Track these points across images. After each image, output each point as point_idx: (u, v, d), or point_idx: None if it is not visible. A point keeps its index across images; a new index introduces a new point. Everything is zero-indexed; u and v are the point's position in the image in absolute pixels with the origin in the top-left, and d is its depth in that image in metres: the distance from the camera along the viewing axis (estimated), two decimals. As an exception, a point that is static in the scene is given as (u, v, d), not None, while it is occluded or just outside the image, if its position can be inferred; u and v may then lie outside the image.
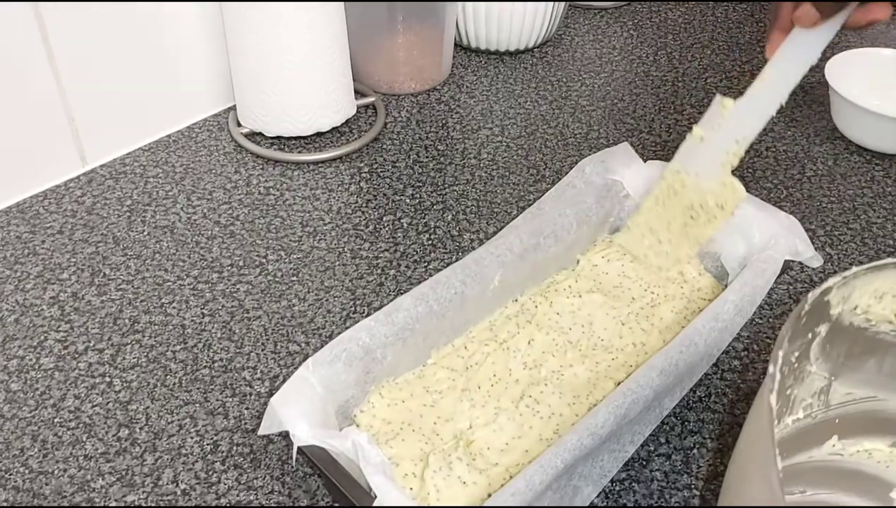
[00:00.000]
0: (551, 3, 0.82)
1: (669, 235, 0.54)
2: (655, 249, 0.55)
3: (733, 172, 0.51)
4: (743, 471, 0.35)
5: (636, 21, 0.93)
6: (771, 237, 0.52)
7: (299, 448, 0.40)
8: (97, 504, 0.45)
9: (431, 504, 0.41)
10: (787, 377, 0.41)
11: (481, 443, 0.45)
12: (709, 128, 0.52)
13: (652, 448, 0.48)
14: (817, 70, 0.83)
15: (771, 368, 0.33)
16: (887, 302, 0.42)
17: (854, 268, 0.39)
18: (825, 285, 0.38)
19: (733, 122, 0.50)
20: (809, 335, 0.41)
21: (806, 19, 0.45)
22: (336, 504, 0.45)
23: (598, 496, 0.46)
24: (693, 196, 0.52)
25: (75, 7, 0.62)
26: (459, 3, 0.81)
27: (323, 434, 0.40)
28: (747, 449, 0.35)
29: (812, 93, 0.81)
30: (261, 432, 0.41)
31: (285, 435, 0.48)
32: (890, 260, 0.40)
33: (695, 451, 0.48)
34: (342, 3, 0.69)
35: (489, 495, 0.42)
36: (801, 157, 0.72)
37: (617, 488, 0.46)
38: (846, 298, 0.40)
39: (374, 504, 0.37)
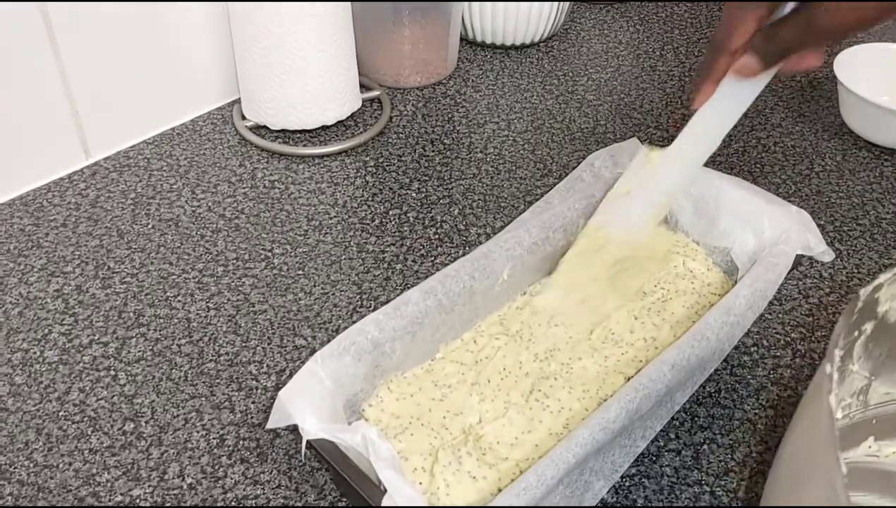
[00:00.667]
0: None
1: (595, 290, 0.52)
2: (578, 308, 0.52)
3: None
4: (798, 475, 0.34)
5: (642, 16, 0.93)
6: (782, 231, 0.51)
7: (308, 441, 0.40)
8: (103, 498, 0.45)
9: (441, 498, 0.41)
10: (832, 379, 0.41)
11: (491, 438, 0.44)
12: (635, 180, 0.50)
13: (662, 444, 0.48)
14: (825, 65, 0.83)
15: (828, 367, 0.32)
16: None
17: None
18: (877, 281, 0.37)
19: (661, 174, 0.49)
20: (856, 333, 0.40)
21: (747, 70, 0.44)
22: (344, 499, 0.45)
23: (608, 491, 0.45)
24: (619, 250, 0.51)
25: (80, -2, 0.62)
26: (465, -3, 0.80)
27: (332, 428, 0.40)
28: (802, 452, 0.34)
29: (820, 88, 0.80)
30: (269, 426, 0.41)
31: (293, 430, 0.48)
32: None
33: (705, 447, 0.48)
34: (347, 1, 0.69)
35: (499, 490, 0.41)
36: (810, 152, 0.72)
37: (627, 483, 0.46)
38: (894, 296, 0.40)
39: (385, 498, 0.37)
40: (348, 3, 0.69)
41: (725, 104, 0.46)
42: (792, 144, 0.73)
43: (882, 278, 0.38)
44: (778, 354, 0.54)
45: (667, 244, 0.51)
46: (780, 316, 0.56)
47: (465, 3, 0.81)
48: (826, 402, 0.31)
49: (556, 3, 0.82)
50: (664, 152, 0.49)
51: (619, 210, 0.50)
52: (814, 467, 0.32)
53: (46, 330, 0.54)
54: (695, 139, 0.48)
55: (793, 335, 0.55)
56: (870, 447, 0.44)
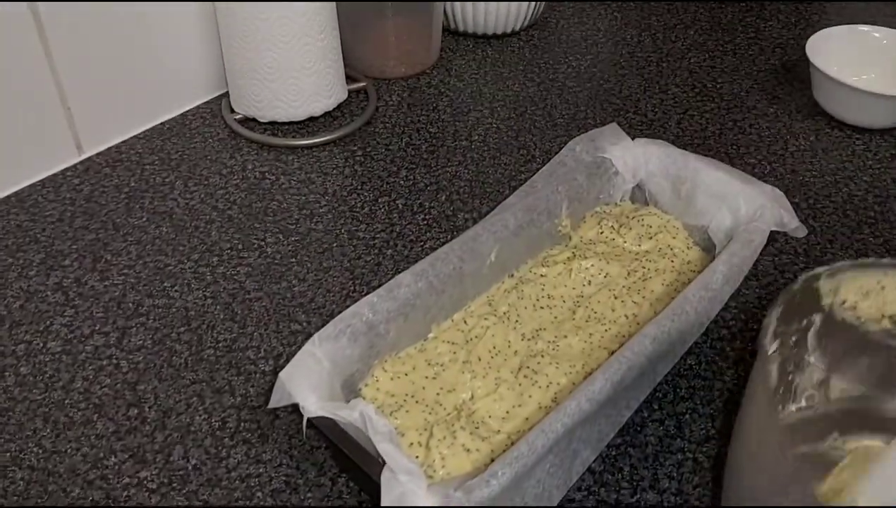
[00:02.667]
0: (537, -13, 0.83)
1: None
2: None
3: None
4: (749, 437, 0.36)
5: (620, 3, 0.94)
6: (757, 209, 0.53)
7: (309, 419, 0.42)
8: (111, 480, 0.46)
9: (437, 470, 0.43)
10: (788, 361, 0.42)
11: (483, 412, 0.46)
12: None
13: (646, 415, 0.50)
14: (798, 47, 0.85)
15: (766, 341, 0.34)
16: (873, 299, 0.43)
17: (839, 263, 0.41)
18: (815, 271, 0.40)
19: None
20: (805, 321, 0.42)
21: None
22: (343, 475, 0.47)
23: (595, 460, 0.47)
24: None
25: (69, -4, 0.63)
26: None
27: (332, 406, 0.42)
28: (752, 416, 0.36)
29: (794, 71, 0.82)
30: (271, 405, 0.42)
31: (292, 410, 0.50)
32: (873, 259, 0.41)
33: (687, 416, 0.50)
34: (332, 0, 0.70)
35: (492, 461, 0.43)
36: (784, 133, 0.74)
37: (614, 452, 0.48)
38: (835, 290, 0.42)
39: (384, 470, 0.39)
40: (333, -3, 0.70)
41: None
42: (767, 126, 0.75)
43: (819, 269, 0.40)
44: (755, 327, 0.56)
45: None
46: (757, 290, 0.59)
47: (447, -6, 0.83)
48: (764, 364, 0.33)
49: (535, -7, 0.83)
50: None
51: None
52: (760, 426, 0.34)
53: (48, 322, 0.55)
54: None
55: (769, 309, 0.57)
56: (835, 440, 0.45)
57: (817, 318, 0.42)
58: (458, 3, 0.83)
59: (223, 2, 0.67)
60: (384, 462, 0.39)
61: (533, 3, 0.85)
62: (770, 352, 0.37)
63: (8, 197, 0.65)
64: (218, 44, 0.74)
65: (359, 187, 0.67)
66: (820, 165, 0.70)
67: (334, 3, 0.71)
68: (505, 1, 0.82)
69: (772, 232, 0.53)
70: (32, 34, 0.62)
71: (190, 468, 0.47)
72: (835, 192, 0.67)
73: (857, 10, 0.93)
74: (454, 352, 0.50)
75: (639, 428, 0.49)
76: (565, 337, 0.51)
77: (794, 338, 0.42)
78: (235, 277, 0.59)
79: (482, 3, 0.82)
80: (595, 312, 0.52)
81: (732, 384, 0.52)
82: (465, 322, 0.52)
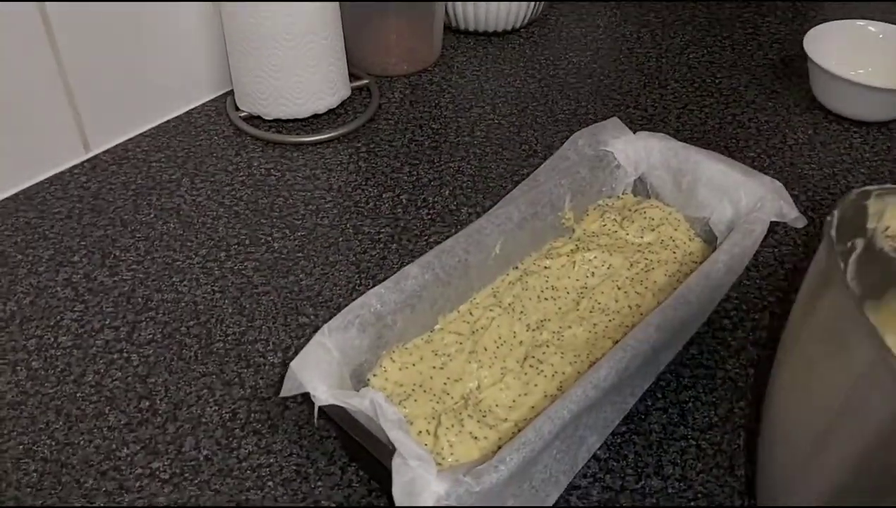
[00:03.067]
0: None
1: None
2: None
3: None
4: (815, 360, 0.34)
5: (619, 0, 0.95)
6: (757, 200, 0.54)
7: (320, 408, 0.42)
8: (124, 471, 0.47)
9: (446, 457, 0.44)
10: None
11: (490, 401, 0.47)
12: None
13: (650, 403, 0.51)
14: (796, 42, 0.86)
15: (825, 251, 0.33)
16: None
17: (889, 185, 0.38)
18: (865, 188, 0.37)
19: None
20: (850, 244, 0.40)
21: None
22: (353, 464, 0.48)
23: (600, 447, 0.48)
24: None
25: (76, -4, 0.64)
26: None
27: (342, 394, 0.42)
28: (817, 336, 0.34)
29: (791, 65, 0.83)
30: (282, 394, 0.43)
31: (301, 401, 0.50)
32: None
33: (690, 405, 0.51)
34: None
35: (500, 448, 0.44)
36: (783, 127, 0.75)
37: (618, 440, 0.49)
38: (880, 214, 0.39)
39: (395, 457, 0.39)
40: (336, -5, 0.71)
41: None
42: (766, 119, 0.76)
43: (870, 187, 0.37)
44: (756, 317, 0.57)
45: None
46: (757, 281, 0.59)
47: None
48: (840, 277, 0.31)
49: (535, -10, 0.84)
50: None
51: None
52: (839, 344, 0.32)
53: (59, 317, 0.56)
54: None
55: (770, 299, 0.58)
56: None
57: (860, 244, 0.40)
58: (459, 2, 0.84)
59: (228, 1, 0.68)
60: (394, 449, 0.40)
61: (533, 2, 0.85)
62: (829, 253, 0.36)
63: (16, 194, 0.66)
64: (223, 42, 0.75)
65: (363, 183, 0.68)
66: (818, 158, 0.71)
67: (337, 3, 0.71)
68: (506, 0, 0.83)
69: (772, 223, 0.54)
70: (40, 33, 0.63)
71: (202, 458, 0.48)
72: (833, 184, 0.68)
73: (853, 6, 0.94)
74: (460, 343, 0.51)
75: (643, 416, 0.50)
76: (570, 327, 0.52)
77: (841, 262, 0.39)
78: (243, 272, 0.60)
79: (483, 2, 0.83)
80: (599, 303, 0.53)
81: (734, 372, 0.53)
82: (471, 313, 0.53)
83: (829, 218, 0.36)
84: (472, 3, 0.83)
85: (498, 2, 0.83)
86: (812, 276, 0.37)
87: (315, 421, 0.48)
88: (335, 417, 0.42)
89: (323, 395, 0.42)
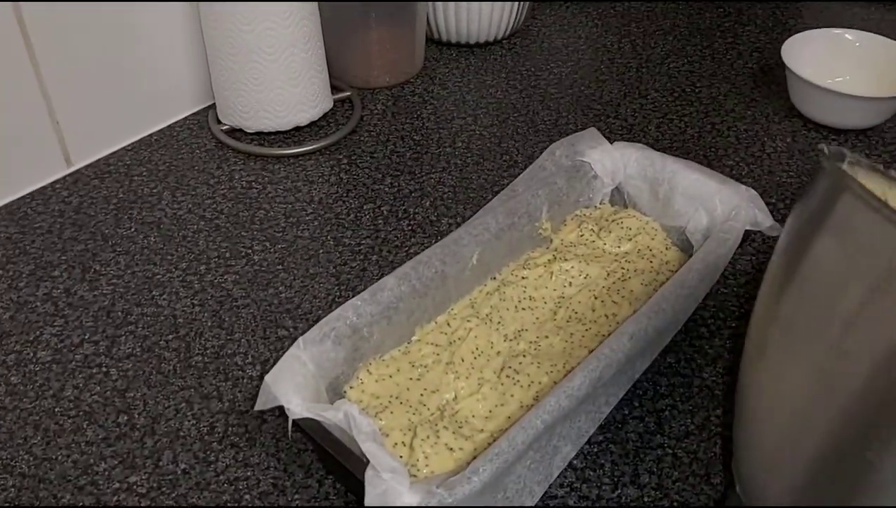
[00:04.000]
0: (518, -5, 0.84)
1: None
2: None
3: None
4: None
5: (601, 10, 0.96)
6: (732, 209, 0.55)
7: (294, 421, 0.43)
8: (101, 486, 0.47)
9: (421, 469, 0.44)
10: None
11: (466, 412, 0.47)
12: None
13: (626, 412, 0.51)
14: (775, 51, 0.87)
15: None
16: None
17: (857, 156, 0.38)
18: (838, 149, 0.36)
19: None
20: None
21: None
22: (330, 476, 0.48)
23: (576, 456, 0.48)
24: None
25: (56, 10, 0.64)
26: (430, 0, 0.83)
27: (316, 407, 0.42)
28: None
29: (770, 74, 0.84)
30: (257, 408, 0.43)
31: (279, 414, 0.50)
32: (882, 167, 0.37)
33: (666, 413, 0.51)
34: (316, 2, 0.71)
35: (475, 458, 0.44)
36: (761, 135, 0.75)
37: (595, 449, 0.49)
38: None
39: (368, 469, 0.40)
40: (316, 7, 0.71)
41: None
42: (744, 128, 0.76)
43: (845, 153, 0.36)
44: (734, 325, 0.57)
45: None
46: (735, 289, 0.60)
47: (430, 4, 0.84)
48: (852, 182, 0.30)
49: (516, 2, 0.85)
50: None
51: None
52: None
53: (38, 332, 0.56)
54: None
55: (747, 307, 0.58)
56: None
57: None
58: (441, 13, 0.84)
59: (209, 10, 0.68)
60: (368, 462, 0.40)
61: (515, 12, 0.86)
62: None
63: (-3, 210, 0.66)
64: (204, 56, 0.75)
65: (344, 195, 0.68)
66: (796, 166, 0.72)
67: (318, 14, 0.72)
68: (487, 0, 0.82)
69: (749, 231, 0.54)
70: (19, 45, 0.63)
71: (179, 472, 0.48)
72: (811, 192, 0.69)
73: (832, 14, 0.95)
74: (437, 354, 0.51)
75: (619, 425, 0.50)
76: (546, 337, 0.52)
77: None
78: (223, 285, 0.60)
79: (465, 12, 0.84)
80: (576, 312, 0.54)
81: (711, 380, 0.53)
82: (449, 324, 0.53)
83: (822, 147, 0.36)
84: (454, 13, 0.84)
85: (480, 1, 0.82)
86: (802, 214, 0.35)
87: (290, 434, 0.48)
88: (309, 430, 0.42)
89: (297, 408, 0.43)
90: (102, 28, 0.68)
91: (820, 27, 0.82)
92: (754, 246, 0.63)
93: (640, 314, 0.47)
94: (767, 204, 0.64)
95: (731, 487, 0.44)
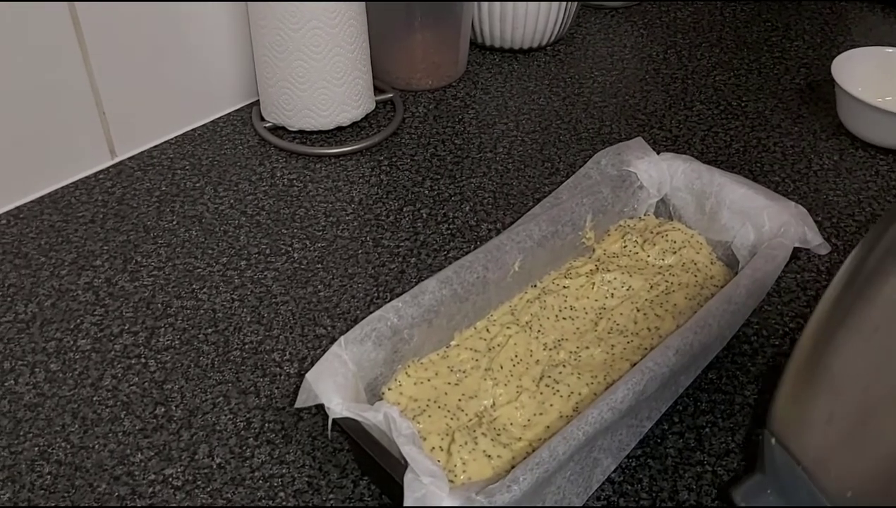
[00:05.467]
0: (564, 3, 0.84)
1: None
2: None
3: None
4: None
5: (646, 20, 0.95)
6: (781, 225, 0.54)
7: (334, 420, 0.42)
8: (137, 477, 0.47)
9: (458, 475, 0.43)
10: None
11: (504, 420, 0.47)
12: None
13: (666, 427, 0.50)
14: (823, 68, 0.85)
15: None
16: None
17: None
18: None
19: None
20: None
21: None
22: (365, 477, 0.47)
23: (615, 470, 0.48)
24: None
25: (108, 4, 0.65)
26: (475, 3, 0.83)
27: (356, 407, 0.42)
28: None
29: (818, 91, 0.83)
30: (297, 405, 0.43)
31: (316, 412, 0.50)
32: None
33: (707, 430, 0.50)
34: (363, 3, 0.71)
35: (513, 467, 0.44)
36: (808, 152, 0.74)
37: (633, 464, 0.48)
38: None
39: (407, 471, 0.39)
40: (363, 9, 0.71)
41: None
42: (791, 144, 0.75)
43: None
44: (777, 343, 0.56)
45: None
46: (779, 307, 0.59)
47: (475, 9, 0.84)
48: None
49: (562, 8, 0.84)
50: None
51: None
52: None
53: (79, 321, 0.57)
54: None
55: (791, 325, 0.57)
56: None
57: None
58: (486, 18, 0.84)
59: (257, 9, 0.68)
60: (407, 464, 0.39)
61: (560, 19, 0.85)
62: None
63: (42, 197, 0.67)
64: (251, 53, 0.75)
65: (384, 196, 0.68)
66: (843, 184, 0.70)
67: (364, 16, 0.72)
68: (535, 0, 0.82)
69: (795, 248, 0.53)
70: (71, 38, 0.64)
71: (215, 466, 0.48)
72: (858, 211, 0.67)
73: (882, 32, 0.93)
74: (476, 360, 0.50)
75: (659, 440, 0.50)
76: (587, 347, 0.51)
77: None
78: (263, 281, 0.60)
79: (510, 18, 0.83)
80: (617, 324, 0.53)
81: (753, 399, 0.52)
82: (488, 330, 0.52)
83: None
84: (499, 19, 0.83)
85: (527, 2, 0.81)
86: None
87: (329, 433, 0.48)
88: (348, 430, 0.42)
89: (337, 408, 0.42)
90: (151, 23, 0.68)
91: (868, 45, 0.81)
92: (799, 263, 0.62)
93: (685, 328, 0.47)
94: (813, 221, 0.64)
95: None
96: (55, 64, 0.64)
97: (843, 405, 0.36)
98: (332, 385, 0.43)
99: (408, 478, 0.39)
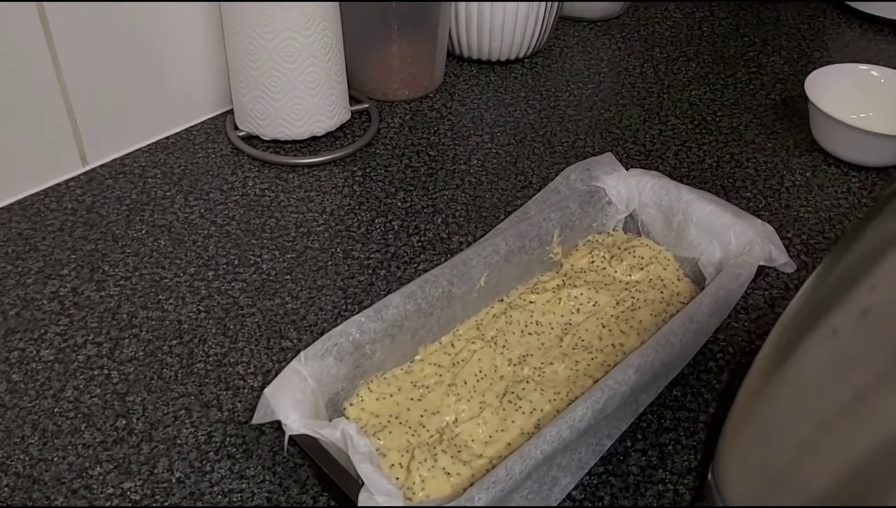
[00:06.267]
0: (542, 15, 0.84)
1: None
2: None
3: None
4: None
5: (624, 34, 0.96)
6: (747, 243, 0.54)
7: (291, 437, 0.42)
8: (95, 490, 0.47)
9: (417, 493, 0.43)
10: None
11: (465, 436, 0.47)
12: None
13: (629, 444, 0.50)
14: (798, 84, 0.86)
15: None
16: None
17: None
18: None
19: None
20: None
21: None
22: (325, 493, 0.47)
23: (576, 488, 0.48)
24: None
25: (79, 10, 0.64)
26: (452, 14, 0.83)
27: (314, 424, 0.42)
28: None
29: (792, 107, 0.83)
30: (254, 421, 0.43)
31: (277, 427, 0.50)
32: None
33: (670, 447, 0.50)
34: (338, 11, 0.71)
35: (472, 485, 0.44)
36: (781, 168, 0.74)
37: (595, 481, 0.48)
38: None
39: (362, 491, 0.39)
40: (338, 18, 0.71)
41: None
42: (764, 160, 0.75)
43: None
44: (743, 361, 0.56)
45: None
46: (746, 324, 0.59)
47: (452, 19, 0.84)
48: None
49: (540, 21, 0.84)
50: None
51: None
52: None
53: (42, 331, 0.56)
54: None
55: (758, 342, 0.57)
56: None
57: None
58: (463, 29, 0.84)
59: (231, 16, 0.68)
60: (363, 483, 0.39)
61: (538, 31, 0.86)
62: None
63: (11, 205, 0.66)
64: (225, 61, 0.75)
65: (356, 207, 0.68)
66: (815, 201, 0.71)
67: (339, 25, 0.72)
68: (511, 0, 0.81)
69: (763, 266, 0.53)
70: (41, 43, 0.63)
71: (174, 480, 0.48)
72: (828, 229, 0.68)
73: (860, 48, 0.94)
74: (440, 375, 0.50)
75: (621, 458, 0.50)
76: (551, 363, 0.51)
77: None
78: (230, 292, 0.60)
79: (487, 30, 0.83)
80: (582, 340, 0.53)
81: (718, 416, 0.52)
82: (453, 345, 0.52)
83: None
84: (476, 30, 0.84)
85: (505, 1, 0.81)
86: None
87: (286, 449, 0.47)
88: (306, 447, 0.42)
89: (294, 424, 0.42)
90: (124, 29, 0.68)
91: (845, 62, 0.81)
92: (767, 281, 0.62)
93: (647, 346, 0.47)
94: (784, 238, 0.64)
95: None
96: (25, 69, 0.63)
97: (777, 447, 0.36)
98: (290, 401, 0.43)
99: (362, 497, 0.39)
